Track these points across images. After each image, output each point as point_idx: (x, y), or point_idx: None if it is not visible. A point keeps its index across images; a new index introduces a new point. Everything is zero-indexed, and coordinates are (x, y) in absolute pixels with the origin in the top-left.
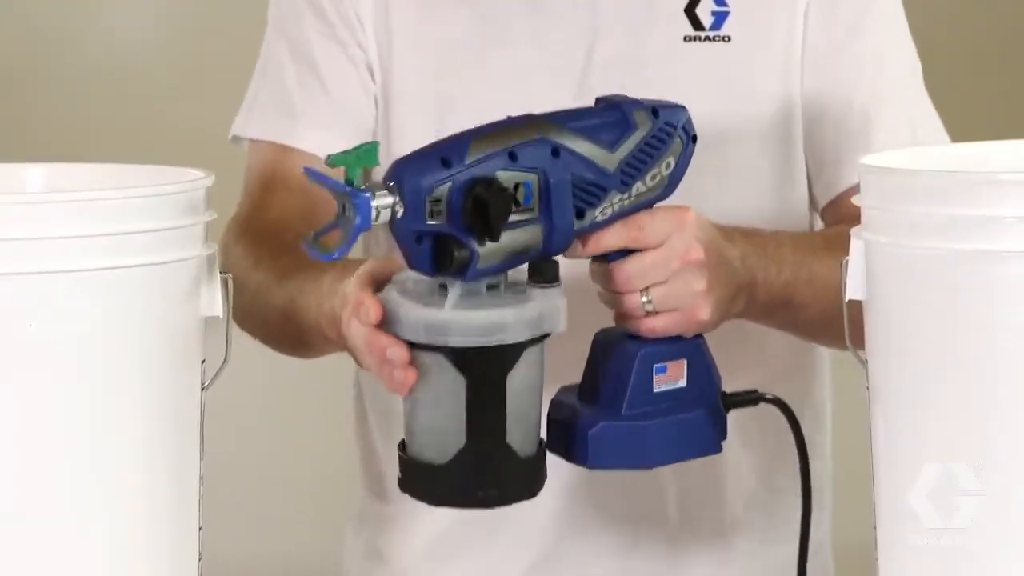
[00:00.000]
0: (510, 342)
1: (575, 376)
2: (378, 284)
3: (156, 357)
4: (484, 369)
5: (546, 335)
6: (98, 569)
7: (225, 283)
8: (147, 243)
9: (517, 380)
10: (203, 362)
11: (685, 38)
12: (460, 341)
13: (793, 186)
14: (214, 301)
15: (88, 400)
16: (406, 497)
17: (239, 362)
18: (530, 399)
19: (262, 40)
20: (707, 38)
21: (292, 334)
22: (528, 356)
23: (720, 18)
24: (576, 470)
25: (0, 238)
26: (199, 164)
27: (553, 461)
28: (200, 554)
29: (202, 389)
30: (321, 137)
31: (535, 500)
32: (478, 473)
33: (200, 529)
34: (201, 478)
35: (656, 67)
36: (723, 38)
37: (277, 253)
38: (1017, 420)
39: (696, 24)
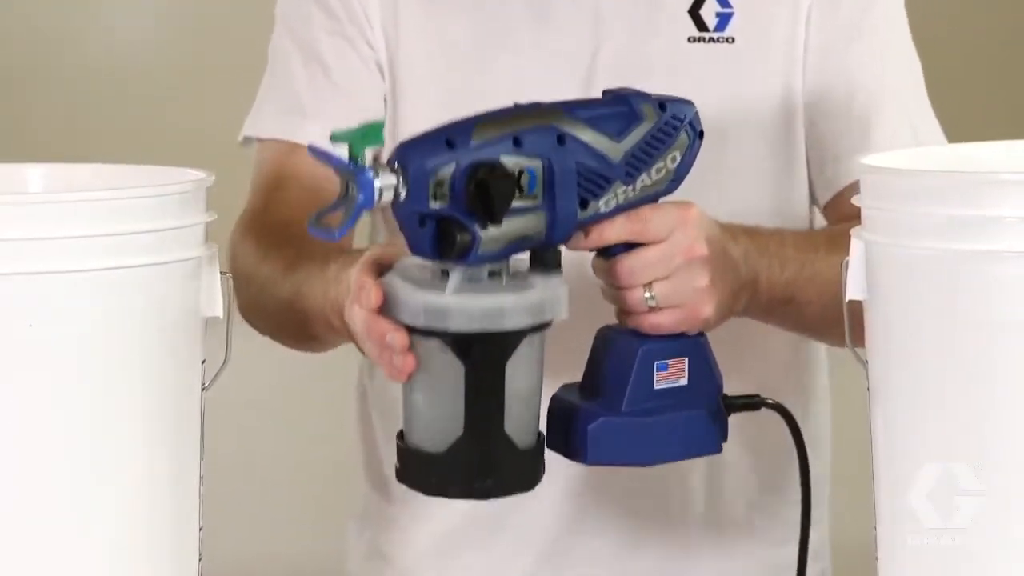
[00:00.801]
0: (510, 328)
1: (576, 373)
2: (381, 270)
3: (156, 357)
4: (483, 355)
5: (547, 324)
6: (98, 569)
7: (225, 283)
8: (147, 243)
9: (516, 368)
10: (203, 362)
11: (689, 39)
12: (460, 326)
13: (794, 185)
14: (214, 301)
15: (88, 400)
16: (409, 496)
17: (239, 362)
18: (529, 388)
19: (263, 40)
20: (711, 39)
21: (298, 325)
22: (528, 344)
23: (724, 19)
24: (578, 471)
25: (0, 238)
26: (199, 164)
27: (556, 462)
28: (200, 554)
29: (202, 389)
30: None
31: (537, 500)
32: (476, 463)
33: (200, 529)
34: (201, 478)
35: (660, 69)
36: (727, 39)
37: (284, 246)
38: (1016, 420)
39: (700, 25)
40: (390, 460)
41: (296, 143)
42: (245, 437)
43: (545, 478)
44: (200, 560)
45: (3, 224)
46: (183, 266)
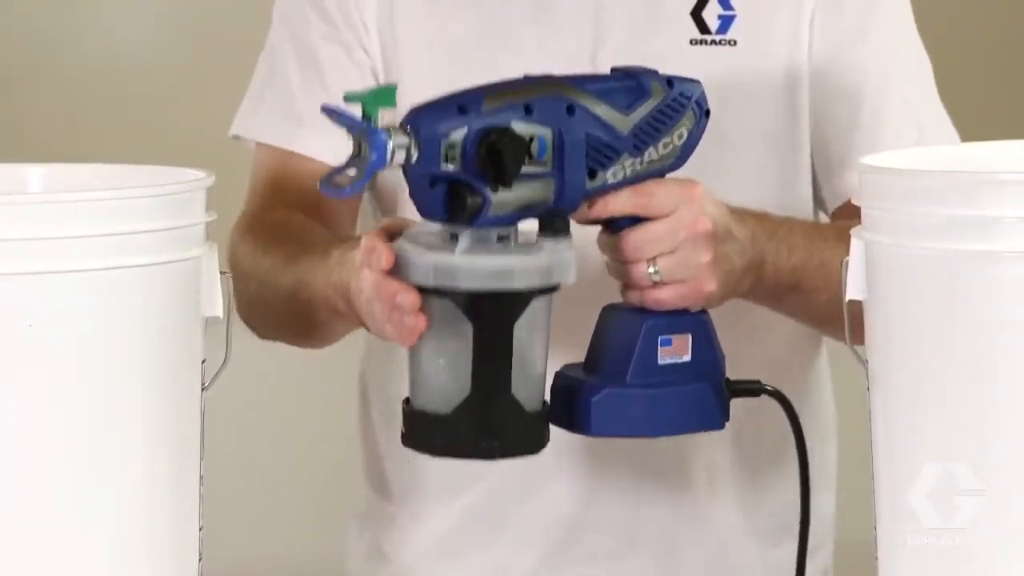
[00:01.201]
0: (519, 288)
1: (581, 354)
2: (391, 238)
3: (156, 357)
4: (492, 315)
5: (555, 287)
6: (98, 569)
7: (225, 283)
8: (147, 243)
9: (524, 330)
10: (203, 362)
11: (691, 41)
12: (469, 284)
13: (797, 190)
14: (214, 301)
15: (87, 400)
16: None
17: (239, 362)
18: (536, 351)
19: (263, 40)
20: (713, 42)
21: (300, 314)
22: (536, 306)
23: (726, 22)
24: (579, 471)
25: (0, 238)
26: (199, 164)
27: (556, 462)
28: (200, 554)
29: (202, 389)
30: (326, 143)
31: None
32: (482, 423)
33: (200, 529)
34: (201, 478)
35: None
36: (729, 42)
37: (285, 241)
38: (1017, 420)
39: (702, 28)
40: (390, 459)
41: (293, 151)
42: (245, 437)
43: (545, 477)
44: (200, 560)
45: (3, 224)
46: (183, 266)
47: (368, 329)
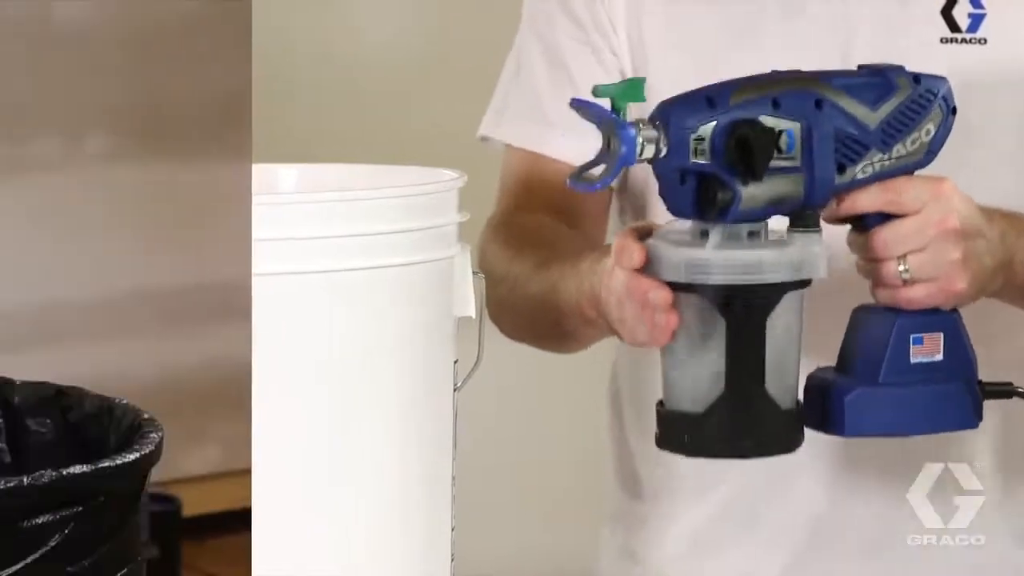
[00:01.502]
0: (771, 281)
1: (831, 357)
2: (641, 238)
3: (408, 357)
4: (745, 310)
5: (807, 282)
6: (351, 569)
7: (478, 283)
8: (400, 243)
9: (777, 325)
10: (456, 362)
11: (941, 40)
12: (722, 279)
13: None
14: (467, 301)
15: (341, 399)
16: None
17: (492, 362)
18: (789, 347)
19: (510, 39)
20: (963, 40)
21: (550, 321)
22: (788, 301)
23: (977, 20)
24: (830, 468)
25: (254, 238)
26: (451, 164)
27: (811, 459)
28: (452, 555)
29: (454, 389)
30: (575, 144)
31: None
32: (736, 421)
33: (452, 530)
34: (453, 478)
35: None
36: (979, 40)
37: (535, 246)
38: None
39: (953, 26)
40: (642, 459)
41: (542, 154)
42: (497, 437)
43: (797, 472)
44: (452, 560)
45: (258, 224)
46: (436, 266)
47: (620, 336)
